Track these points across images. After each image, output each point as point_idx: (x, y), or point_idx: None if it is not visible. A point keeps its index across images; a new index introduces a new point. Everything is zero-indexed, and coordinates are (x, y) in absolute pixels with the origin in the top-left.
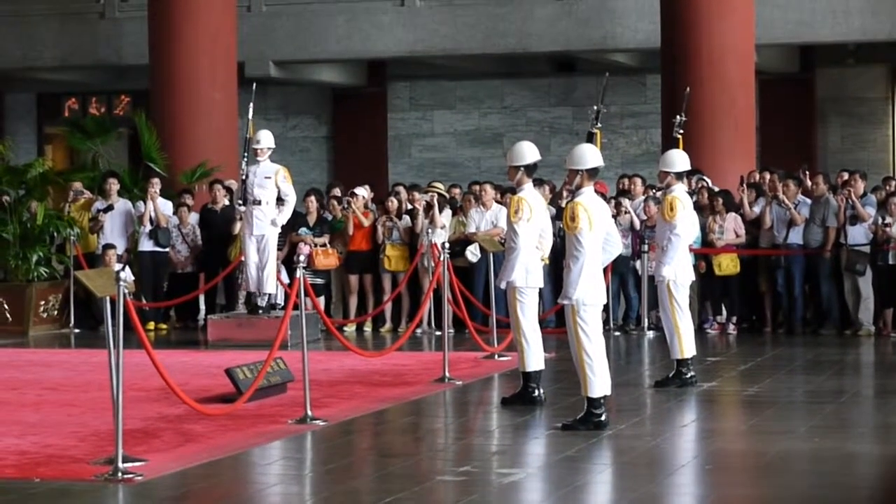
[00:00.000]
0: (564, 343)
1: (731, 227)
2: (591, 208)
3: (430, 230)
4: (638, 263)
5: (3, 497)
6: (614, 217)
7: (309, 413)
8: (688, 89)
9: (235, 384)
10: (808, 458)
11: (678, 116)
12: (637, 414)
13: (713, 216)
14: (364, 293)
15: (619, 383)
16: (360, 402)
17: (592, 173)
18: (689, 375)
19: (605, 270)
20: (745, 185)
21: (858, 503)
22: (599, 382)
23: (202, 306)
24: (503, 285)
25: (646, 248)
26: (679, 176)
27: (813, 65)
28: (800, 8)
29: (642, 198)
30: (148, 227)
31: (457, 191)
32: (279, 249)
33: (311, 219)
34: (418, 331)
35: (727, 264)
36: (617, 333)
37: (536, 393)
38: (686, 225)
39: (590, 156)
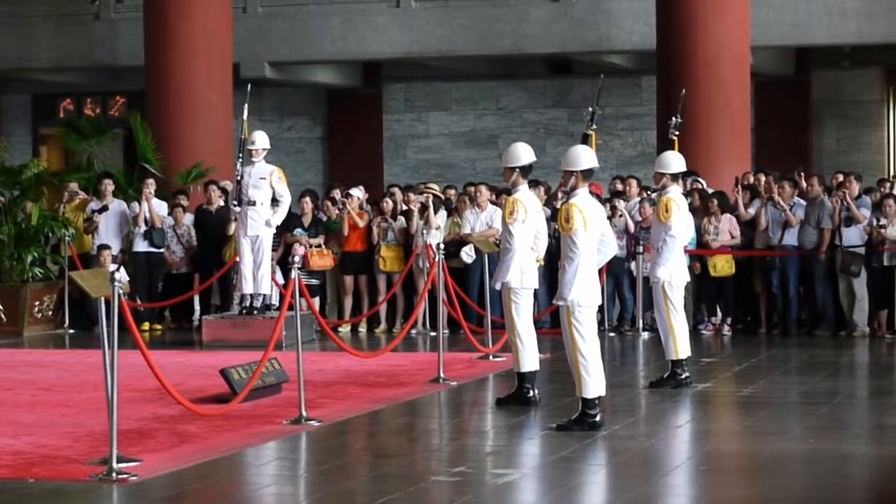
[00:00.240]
0: (559, 344)
1: (726, 229)
2: (585, 209)
3: (424, 231)
4: (633, 265)
5: None
6: (609, 219)
7: (303, 413)
8: (683, 91)
9: (230, 384)
10: (802, 458)
11: (674, 118)
12: (632, 415)
13: (708, 217)
14: (359, 294)
15: (614, 384)
16: (354, 402)
17: (587, 175)
18: (683, 376)
19: (599, 272)
20: (740, 187)
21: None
22: (594, 383)
23: (197, 307)
24: (498, 286)
25: (640, 249)
26: (674, 177)
27: (808, 67)
28: (795, 10)
29: (637, 199)
30: (143, 228)
31: (452, 192)
32: (274, 250)
33: (306, 220)
34: (413, 331)
35: (722, 265)
36: (612, 334)
37: (531, 394)
38: (681, 226)
39: (584, 157)
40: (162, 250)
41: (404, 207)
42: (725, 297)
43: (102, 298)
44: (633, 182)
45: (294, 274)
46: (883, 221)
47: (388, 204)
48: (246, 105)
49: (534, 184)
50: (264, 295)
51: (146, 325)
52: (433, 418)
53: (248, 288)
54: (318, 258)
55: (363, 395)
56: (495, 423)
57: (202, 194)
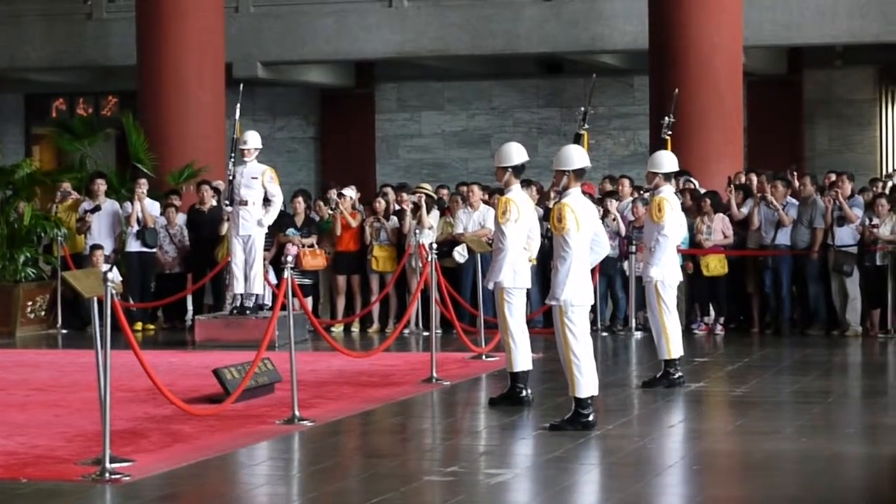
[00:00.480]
0: (552, 343)
1: (718, 228)
2: (578, 209)
3: (417, 231)
4: (625, 264)
5: None
6: (602, 219)
7: (296, 413)
8: (676, 91)
9: (223, 384)
10: (795, 458)
11: (666, 118)
12: (624, 414)
13: (701, 217)
14: (352, 294)
15: (607, 384)
16: (347, 402)
17: (579, 174)
18: (676, 376)
19: (592, 271)
20: (732, 186)
21: None
22: (587, 383)
23: (189, 307)
24: (491, 286)
25: (633, 248)
26: (667, 177)
27: (801, 66)
28: (787, 9)
29: (630, 199)
30: (135, 228)
31: (444, 191)
32: (267, 250)
33: (299, 219)
34: (406, 331)
35: (715, 265)
36: (604, 334)
37: (524, 393)
38: (674, 226)
39: (576, 157)
40: (154, 250)
41: (397, 207)
42: (718, 296)
43: (95, 298)
44: (626, 182)
45: (287, 274)
46: (875, 221)
47: (380, 204)
48: (238, 105)
49: (526, 183)
50: (257, 295)
51: (139, 325)
52: (426, 418)
53: (238, 288)
54: (310, 258)
55: (356, 395)
56: (488, 423)
57: (195, 194)
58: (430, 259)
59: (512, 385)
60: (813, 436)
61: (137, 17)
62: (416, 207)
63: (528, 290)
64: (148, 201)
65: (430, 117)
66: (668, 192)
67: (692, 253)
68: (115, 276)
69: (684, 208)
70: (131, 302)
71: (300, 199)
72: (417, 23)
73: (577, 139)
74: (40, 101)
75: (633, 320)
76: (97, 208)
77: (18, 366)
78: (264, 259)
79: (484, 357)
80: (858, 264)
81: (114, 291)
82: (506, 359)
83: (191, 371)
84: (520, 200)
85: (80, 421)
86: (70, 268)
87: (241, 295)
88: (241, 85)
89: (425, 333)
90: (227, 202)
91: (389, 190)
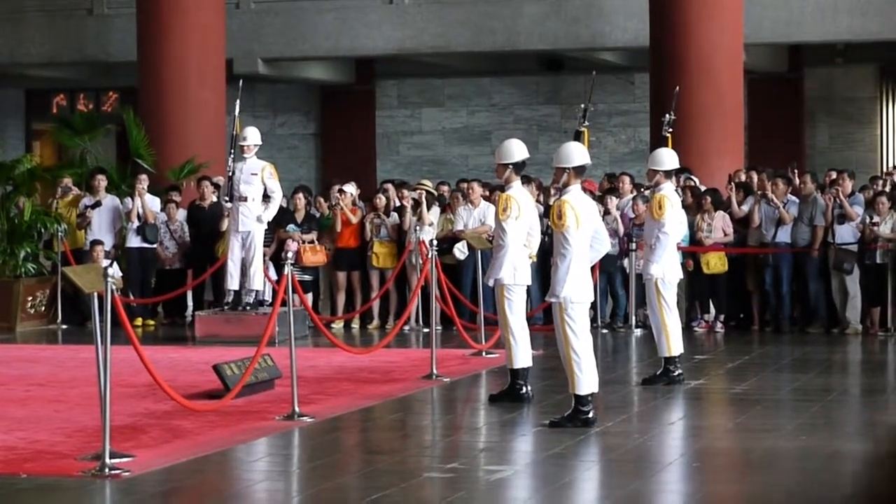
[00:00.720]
0: (552, 340)
1: (719, 226)
2: (578, 206)
3: (417, 227)
4: (626, 261)
5: None
6: (603, 217)
7: (296, 409)
8: (677, 88)
9: (223, 380)
10: (794, 455)
11: (667, 115)
12: (624, 411)
13: (702, 214)
14: (352, 290)
15: (607, 381)
16: (347, 398)
17: (579, 171)
18: (676, 373)
19: (592, 268)
20: (733, 184)
21: (844, 501)
22: (587, 380)
23: (190, 302)
24: (491, 282)
25: (633, 246)
26: (668, 174)
27: (801, 64)
28: (788, 7)
29: (630, 196)
30: (136, 224)
31: (445, 188)
32: (267, 246)
33: (299, 216)
34: (406, 328)
35: (715, 262)
36: (604, 331)
37: (524, 390)
38: (674, 223)
39: (577, 154)
40: (155, 246)
41: (397, 204)
42: (718, 294)
43: (95, 294)
44: (626, 179)
45: (287, 270)
46: (876, 219)
47: (381, 200)
48: (238, 101)
49: (526, 180)
50: (256, 291)
51: (139, 321)
52: (426, 415)
53: (234, 284)
54: (311, 254)
55: (356, 392)
56: (488, 420)
57: (195, 190)
58: (430, 256)
59: (512, 382)
60: (812, 433)
61: (138, 13)
62: (417, 204)
63: (528, 286)
64: (148, 197)
65: (431, 114)
66: (668, 190)
67: (692, 250)
68: (115, 271)
69: (685, 206)
70: (131, 297)
71: (301, 195)
72: (418, 19)
73: (578, 136)
74: (41, 97)
75: (634, 317)
76: (97, 204)
77: (18, 361)
78: (264, 255)
79: (484, 354)
80: (859, 262)
81: (114, 287)
82: (506, 355)
83: (191, 367)
84: (520, 197)
85: (80, 416)
86: (70, 263)
87: (235, 291)
88: (242, 81)
89: (425, 330)
90: (226, 198)
91: (390, 186)
